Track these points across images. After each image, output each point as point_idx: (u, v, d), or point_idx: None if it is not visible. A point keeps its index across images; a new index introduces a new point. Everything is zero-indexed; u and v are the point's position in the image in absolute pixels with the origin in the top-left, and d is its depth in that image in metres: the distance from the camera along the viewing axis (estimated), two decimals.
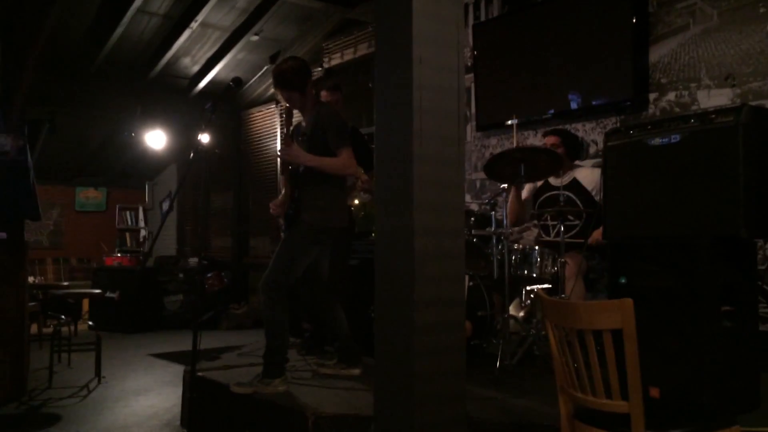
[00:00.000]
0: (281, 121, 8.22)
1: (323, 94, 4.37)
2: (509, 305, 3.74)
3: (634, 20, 4.42)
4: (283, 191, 3.61)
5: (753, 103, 3.70)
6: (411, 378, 1.86)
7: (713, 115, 2.80)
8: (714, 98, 4.05)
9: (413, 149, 1.86)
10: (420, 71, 1.87)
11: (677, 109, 4.24)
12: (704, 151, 2.79)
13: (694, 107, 4.15)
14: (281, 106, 6.79)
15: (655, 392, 2.80)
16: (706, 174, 2.78)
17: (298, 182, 3.51)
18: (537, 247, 3.96)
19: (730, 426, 2.11)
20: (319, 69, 7.74)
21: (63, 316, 5.54)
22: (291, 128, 3.62)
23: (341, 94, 4.52)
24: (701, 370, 2.71)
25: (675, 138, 2.91)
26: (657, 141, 2.98)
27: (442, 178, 1.95)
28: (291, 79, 3.47)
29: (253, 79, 8.51)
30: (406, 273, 1.89)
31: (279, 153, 3.51)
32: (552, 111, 4.99)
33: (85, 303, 8.22)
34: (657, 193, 2.97)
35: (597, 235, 3.87)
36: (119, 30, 6.98)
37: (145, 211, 10.60)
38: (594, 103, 4.72)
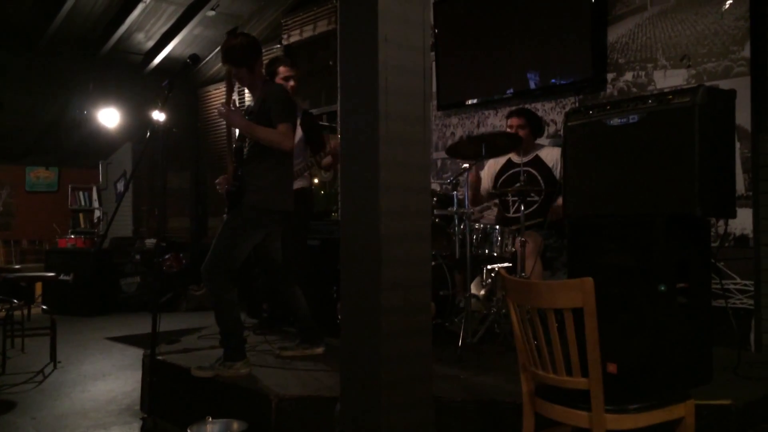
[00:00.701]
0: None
1: (282, 69, 4.31)
2: (471, 284, 3.77)
3: (593, 0, 4.45)
4: (229, 167, 3.56)
5: (707, 84, 3.78)
6: (377, 360, 1.86)
7: (670, 96, 2.84)
8: (670, 79, 4.12)
9: (379, 130, 1.84)
10: (385, 50, 1.84)
11: (634, 89, 4.30)
12: (661, 132, 2.84)
13: (650, 87, 4.22)
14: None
15: (612, 368, 2.87)
16: (663, 154, 2.83)
17: (242, 160, 3.45)
18: (497, 227, 3.99)
19: (684, 400, 2.18)
20: (278, 46, 7.62)
21: (15, 300, 5.38)
22: (231, 90, 3.56)
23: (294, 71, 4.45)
24: (657, 346, 2.78)
25: (633, 118, 2.94)
26: (616, 121, 3.01)
27: (408, 160, 1.93)
28: (239, 56, 3.40)
29: (210, 56, 8.33)
30: (373, 255, 1.88)
31: (217, 110, 3.44)
32: (512, 90, 5.01)
33: (38, 286, 8.00)
34: (615, 172, 3.01)
35: (557, 208, 3.92)
36: (69, 3, 6.73)
37: (99, 191, 10.33)
38: (553, 82, 4.75)
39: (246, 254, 3.42)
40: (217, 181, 3.62)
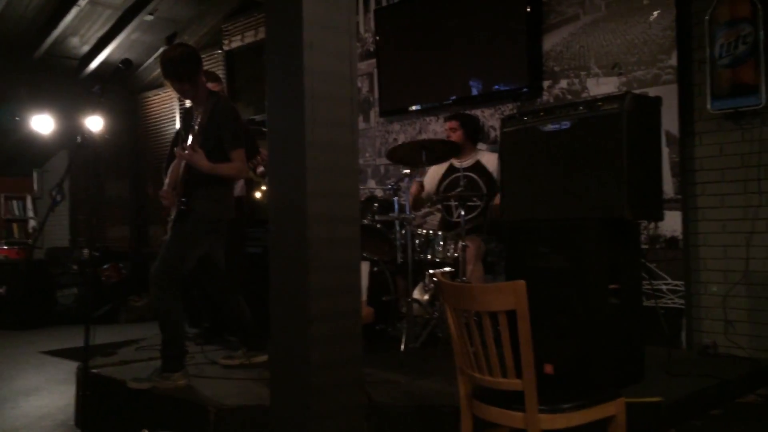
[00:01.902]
0: (180, 106, 7.94)
1: (210, 85, 4.25)
2: (413, 289, 3.80)
3: (528, 9, 4.56)
4: (167, 181, 3.51)
5: (637, 91, 3.91)
6: (306, 367, 1.85)
7: (600, 103, 2.93)
8: (602, 86, 4.25)
9: (305, 136, 1.84)
10: (311, 57, 1.84)
11: (569, 96, 4.42)
12: (592, 137, 2.92)
13: (584, 95, 4.34)
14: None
15: (549, 368, 2.93)
16: (594, 159, 2.91)
17: (191, 176, 3.41)
18: (440, 232, 4.03)
19: (615, 398, 2.24)
20: (219, 51, 7.52)
21: None
22: (182, 118, 3.50)
23: (222, 85, 4.42)
24: (589, 346, 2.86)
25: (565, 124, 3.02)
26: (549, 127, 3.09)
27: (335, 165, 1.93)
28: (180, 69, 3.30)
29: (149, 61, 8.16)
30: (301, 261, 1.88)
31: (180, 153, 3.36)
32: (453, 97, 5.07)
33: None
34: (550, 176, 3.09)
35: (495, 207, 3.98)
36: None
37: (33, 200, 9.97)
38: (492, 89, 4.84)
39: (194, 262, 3.42)
40: (161, 194, 3.56)
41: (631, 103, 2.85)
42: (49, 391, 4.50)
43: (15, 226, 9.86)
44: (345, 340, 1.95)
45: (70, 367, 5.05)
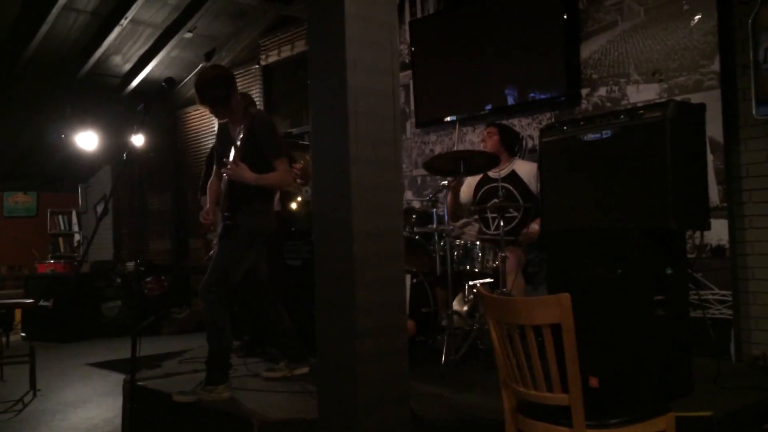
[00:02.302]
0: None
1: None
2: (453, 301, 3.78)
3: (565, 17, 4.52)
4: (206, 199, 3.58)
5: (678, 98, 3.85)
6: (353, 382, 1.86)
7: (642, 111, 2.89)
8: (643, 93, 4.19)
9: (349, 152, 1.85)
10: (354, 74, 1.86)
11: (608, 104, 4.37)
12: (634, 146, 2.88)
13: (624, 102, 4.28)
14: None
15: (594, 382, 2.88)
16: (637, 168, 2.87)
17: (234, 191, 3.47)
18: (478, 243, 4.01)
19: (664, 413, 2.20)
20: (256, 66, 7.64)
21: None
22: (217, 135, 3.58)
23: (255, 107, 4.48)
24: (636, 359, 2.80)
25: (607, 133, 2.99)
26: (590, 136, 3.06)
27: (379, 181, 1.95)
28: (212, 93, 3.40)
29: (188, 78, 8.32)
30: (346, 277, 1.89)
31: (227, 173, 3.44)
32: (489, 107, 5.06)
33: (18, 313, 7.88)
34: (591, 187, 3.05)
35: (533, 227, 3.95)
36: (44, 28, 6.69)
37: (78, 215, 10.24)
38: (529, 98, 4.81)
39: (241, 274, 3.48)
40: (201, 215, 3.65)
41: (675, 111, 2.80)
42: (96, 403, 4.59)
43: (61, 240, 10.14)
44: (391, 356, 1.95)
45: (116, 379, 5.15)
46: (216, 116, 3.60)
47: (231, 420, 2.97)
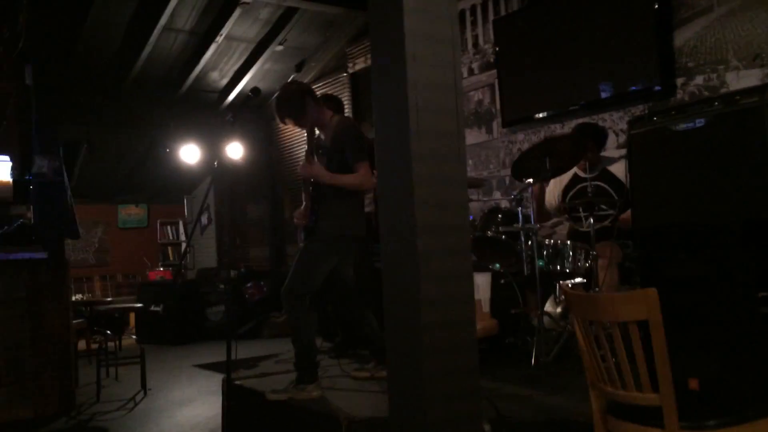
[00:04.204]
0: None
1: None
2: (544, 302, 3.70)
3: (656, 5, 4.33)
4: (304, 202, 3.66)
5: None
6: (421, 376, 1.86)
7: (737, 96, 2.72)
8: (743, 79, 3.94)
9: (411, 147, 1.86)
10: (414, 68, 1.87)
11: (706, 93, 4.14)
12: (730, 134, 2.72)
13: (723, 90, 4.05)
14: None
15: (694, 383, 2.74)
16: (734, 156, 2.70)
17: (317, 194, 3.55)
18: (569, 242, 3.90)
19: (767, 415, 2.06)
20: (345, 74, 7.79)
21: (108, 331, 5.69)
22: (312, 144, 3.66)
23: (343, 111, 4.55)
24: (738, 360, 2.63)
25: (700, 122, 2.84)
26: (681, 126, 2.91)
27: (442, 175, 1.94)
28: (285, 111, 3.53)
29: None
30: (411, 271, 1.89)
31: (299, 171, 3.57)
32: (579, 102, 4.92)
33: (132, 317, 8.42)
34: (685, 179, 2.90)
35: (625, 217, 3.79)
36: (148, 48, 7.14)
37: (184, 224, 10.79)
38: (621, 91, 4.63)
39: (323, 278, 3.52)
40: (294, 215, 3.75)
41: None
42: (200, 402, 4.82)
43: (170, 249, 10.73)
44: (459, 350, 1.94)
45: (219, 380, 5.34)
46: (301, 128, 3.70)
47: (320, 418, 3.03)
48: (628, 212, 3.70)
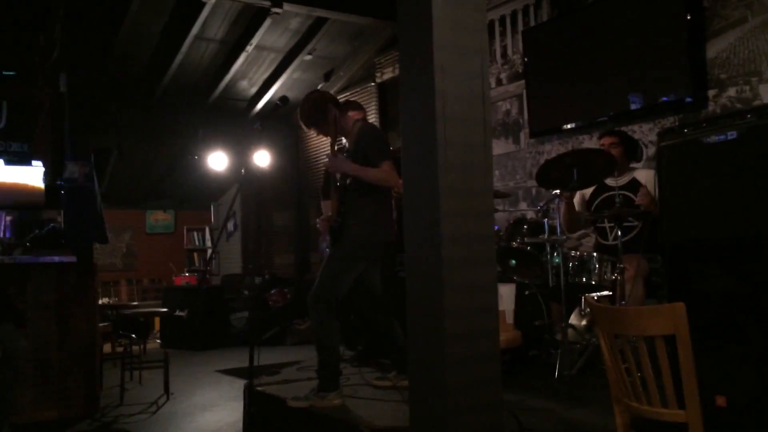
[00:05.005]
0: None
1: (351, 114, 4.42)
2: (569, 314, 3.65)
3: (689, 17, 4.28)
4: (327, 206, 3.68)
5: None
6: (443, 387, 1.84)
7: None
8: None
9: (438, 157, 1.85)
10: (442, 79, 1.87)
11: (738, 105, 4.07)
12: (763, 147, 2.66)
13: (756, 102, 3.97)
14: None
15: (721, 401, 2.67)
16: (767, 170, 2.65)
17: (345, 197, 3.55)
18: (595, 254, 3.85)
19: None
20: (372, 84, 7.82)
21: (133, 335, 5.75)
22: (334, 147, 3.68)
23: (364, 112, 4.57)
24: None
25: (732, 135, 2.78)
26: (713, 138, 2.86)
27: (468, 186, 1.93)
28: (307, 119, 3.59)
29: None
30: (436, 281, 1.88)
31: (325, 164, 3.60)
32: (608, 113, 4.87)
33: (157, 322, 8.49)
34: (716, 192, 2.85)
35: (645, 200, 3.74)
36: (179, 57, 7.25)
37: (211, 231, 10.89)
38: (651, 103, 4.58)
39: (349, 285, 3.51)
40: (318, 221, 3.77)
41: None
42: (222, 407, 4.84)
43: (195, 255, 10.83)
44: (482, 361, 1.92)
45: (242, 386, 5.37)
46: (325, 135, 3.72)
47: (341, 426, 3.02)
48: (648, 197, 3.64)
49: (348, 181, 3.57)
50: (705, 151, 2.90)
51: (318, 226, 3.75)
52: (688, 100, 4.33)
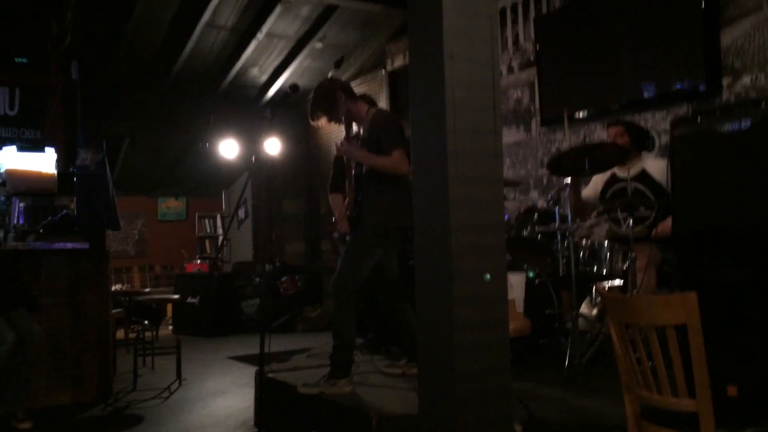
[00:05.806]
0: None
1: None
2: (579, 303, 3.65)
3: (703, 4, 4.23)
4: (336, 211, 3.67)
5: None
6: (452, 375, 1.85)
7: None
8: None
9: (447, 145, 1.85)
10: (452, 66, 1.86)
11: (753, 93, 4.03)
12: None
13: None
14: None
15: (732, 390, 2.67)
16: None
17: (361, 185, 3.55)
18: (606, 242, 3.84)
19: None
20: (383, 71, 7.79)
21: (146, 321, 5.79)
22: (349, 132, 3.67)
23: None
24: None
25: (746, 123, 2.76)
26: (727, 127, 2.83)
27: (478, 174, 1.92)
28: (319, 103, 3.59)
29: None
30: (444, 269, 1.88)
31: (336, 149, 3.59)
32: (620, 101, 4.84)
33: (169, 308, 8.56)
34: (729, 181, 2.83)
35: (665, 226, 3.72)
36: (190, 45, 7.26)
37: (222, 218, 10.93)
38: (664, 91, 4.54)
39: (367, 272, 3.52)
40: (334, 222, 3.77)
41: None
42: (234, 393, 4.88)
43: (207, 242, 10.88)
44: (491, 350, 1.92)
45: (253, 372, 5.42)
46: (336, 122, 3.71)
47: (351, 413, 3.04)
48: (668, 221, 3.62)
49: (363, 169, 3.58)
50: (718, 140, 2.87)
51: (338, 227, 3.75)
52: (702, 88, 4.29)
